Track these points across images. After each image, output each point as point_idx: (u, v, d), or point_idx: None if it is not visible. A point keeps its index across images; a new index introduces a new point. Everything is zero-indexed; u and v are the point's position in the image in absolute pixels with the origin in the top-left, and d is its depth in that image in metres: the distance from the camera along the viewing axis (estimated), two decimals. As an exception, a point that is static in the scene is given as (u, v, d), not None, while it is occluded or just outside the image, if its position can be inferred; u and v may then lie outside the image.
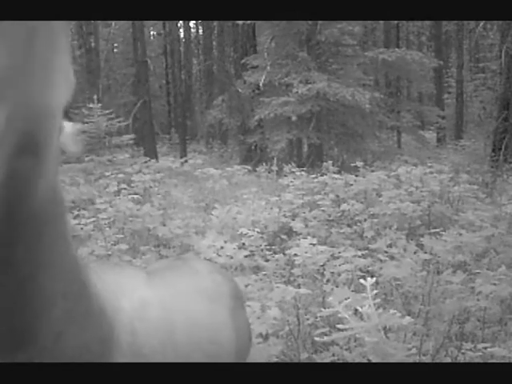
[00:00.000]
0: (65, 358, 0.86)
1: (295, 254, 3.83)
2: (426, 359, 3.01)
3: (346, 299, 2.43)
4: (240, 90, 14.76)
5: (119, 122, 11.59)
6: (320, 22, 12.70)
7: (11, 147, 0.67)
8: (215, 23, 23.56)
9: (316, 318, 3.30)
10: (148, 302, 1.17)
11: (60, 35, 0.68)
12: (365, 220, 5.96)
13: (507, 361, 2.67)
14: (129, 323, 1.04)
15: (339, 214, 6.35)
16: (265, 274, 4.33)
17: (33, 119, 0.67)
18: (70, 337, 0.87)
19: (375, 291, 2.33)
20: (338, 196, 7.00)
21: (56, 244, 0.81)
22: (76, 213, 6.33)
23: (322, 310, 2.58)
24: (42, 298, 0.81)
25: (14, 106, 0.64)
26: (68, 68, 0.71)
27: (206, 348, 1.30)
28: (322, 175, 8.06)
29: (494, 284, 3.39)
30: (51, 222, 0.79)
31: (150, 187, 8.16)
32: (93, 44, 23.73)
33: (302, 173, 8.44)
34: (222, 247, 4.30)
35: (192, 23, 28.18)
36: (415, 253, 4.22)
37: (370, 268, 4.04)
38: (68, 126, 0.81)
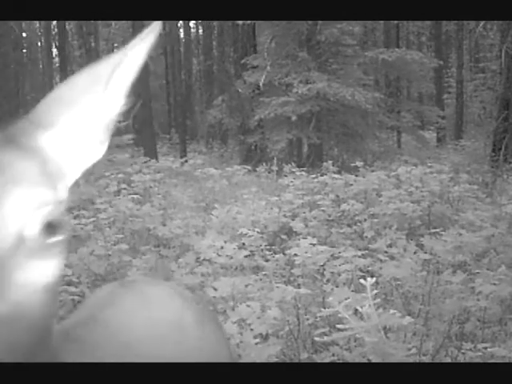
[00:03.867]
0: None
1: (295, 254, 3.83)
2: (426, 359, 3.00)
3: (346, 299, 2.43)
4: (240, 90, 14.75)
5: (119, 121, 11.54)
6: (320, 21, 12.69)
7: None
8: (215, 23, 23.55)
9: (316, 318, 3.29)
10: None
11: None
12: (365, 220, 5.96)
13: (507, 361, 2.67)
14: None
15: (339, 214, 6.35)
16: (265, 274, 4.33)
17: None
18: None
19: (375, 291, 2.33)
20: (338, 196, 7.00)
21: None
22: (76, 213, 6.33)
23: (322, 310, 2.58)
24: None
25: None
26: None
27: None
28: (322, 175, 8.06)
29: (494, 284, 3.39)
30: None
31: (150, 187, 8.17)
32: (93, 44, 23.75)
33: (302, 173, 8.44)
34: (221, 247, 4.30)
35: (192, 23, 28.17)
36: (415, 253, 4.22)
37: (369, 268, 4.04)
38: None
